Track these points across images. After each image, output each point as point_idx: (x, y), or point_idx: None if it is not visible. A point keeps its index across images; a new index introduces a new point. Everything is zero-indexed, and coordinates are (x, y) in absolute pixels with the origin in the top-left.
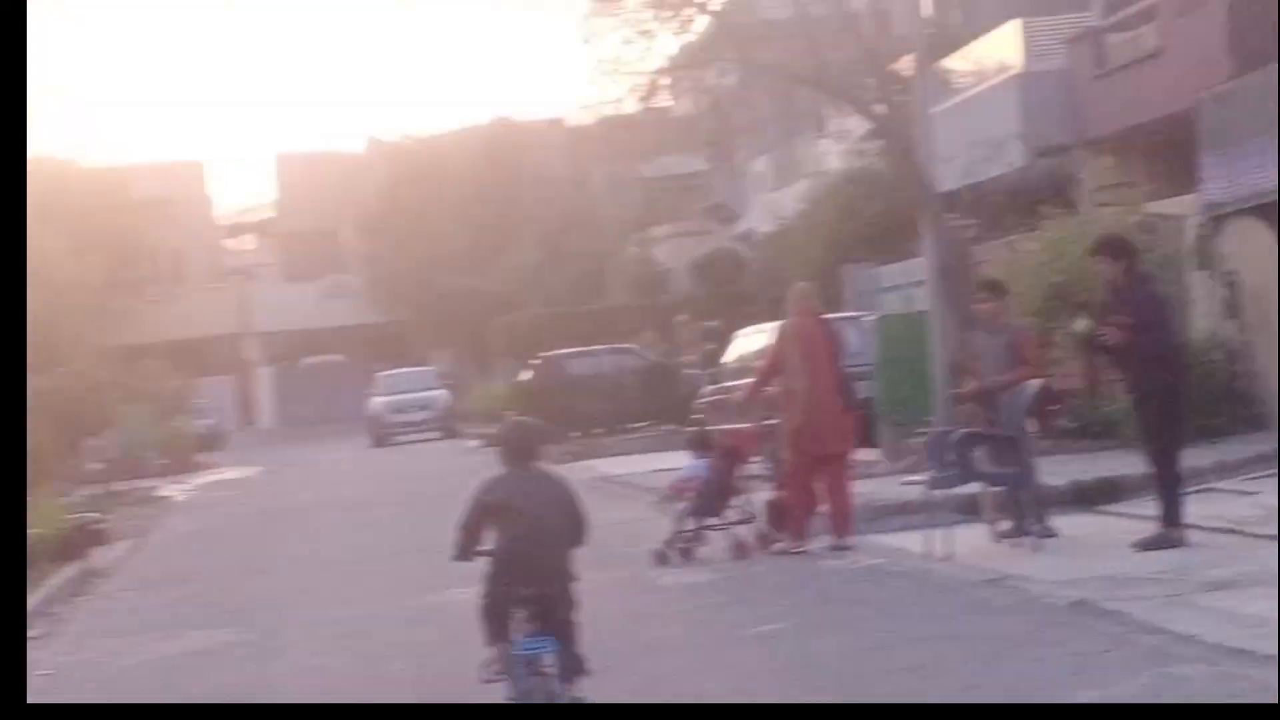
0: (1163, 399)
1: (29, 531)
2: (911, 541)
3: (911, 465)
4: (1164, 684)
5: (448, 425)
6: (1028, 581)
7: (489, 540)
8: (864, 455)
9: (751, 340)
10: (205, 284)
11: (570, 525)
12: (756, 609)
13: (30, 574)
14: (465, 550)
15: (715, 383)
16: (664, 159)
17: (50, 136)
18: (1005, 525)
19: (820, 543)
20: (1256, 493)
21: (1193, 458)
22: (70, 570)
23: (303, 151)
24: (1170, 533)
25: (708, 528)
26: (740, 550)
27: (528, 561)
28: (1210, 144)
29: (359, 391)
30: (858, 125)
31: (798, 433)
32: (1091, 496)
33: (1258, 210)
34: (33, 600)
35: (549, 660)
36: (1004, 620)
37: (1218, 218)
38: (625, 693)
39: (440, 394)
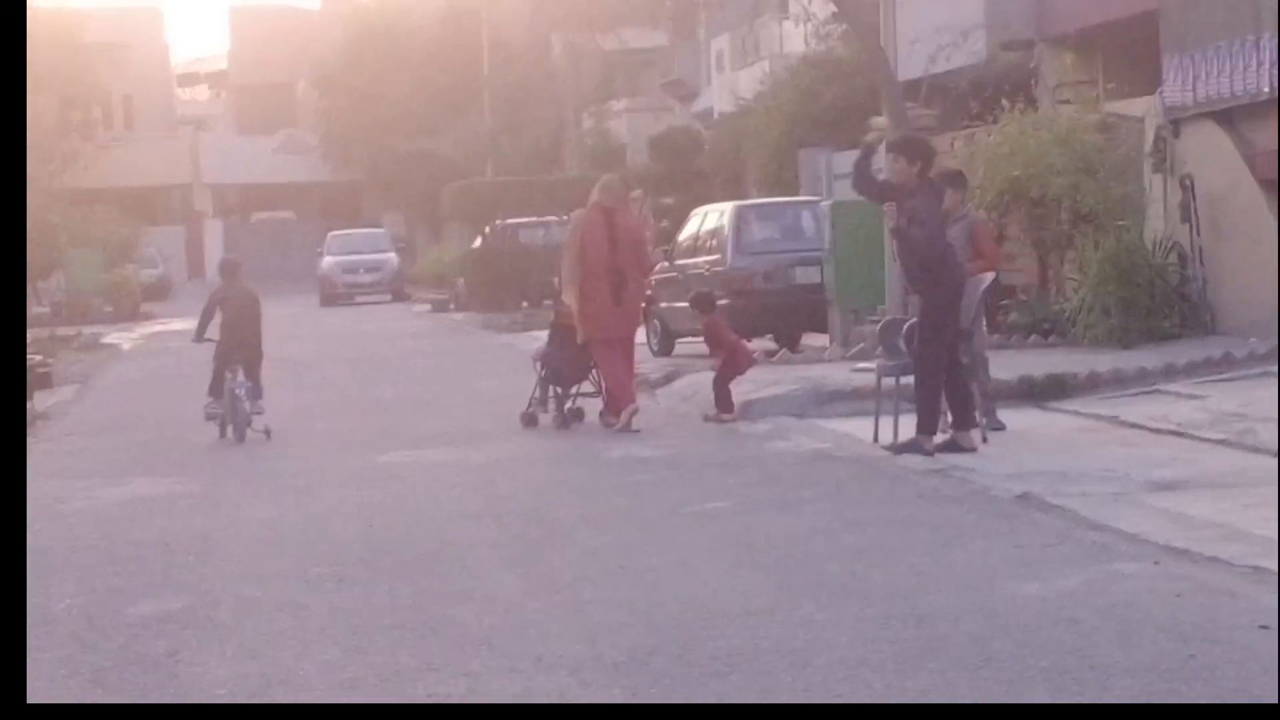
0: (927, 301)
1: None
2: (860, 428)
3: (862, 352)
4: (1107, 580)
5: (397, 288)
6: (974, 473)
7: (215, 331)
8: (815, 341)
9: (707, 219)
10: (157, 132)
11: (259, 315)
12: (701, 486)
13: None
14: (200, 333)
15: (669, 260)
16: (624, 32)
17: None
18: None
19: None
20: (1204, 396)
21: (1141, 359)
22: None
23: (257, 4)
24: (920, 439)
25: (556, 396)
26: (560, 421)
27: (239, 337)
28: (1172, 47)
29: (309, 249)
30: (821, 8)
31: (579, 317)
32: (1039, 393)
33: (1217, 115)
34: None
35: (245, 394)
36: (949, 510)
37: (1176, 121)
38: (566, 564)
39: (391, 256)
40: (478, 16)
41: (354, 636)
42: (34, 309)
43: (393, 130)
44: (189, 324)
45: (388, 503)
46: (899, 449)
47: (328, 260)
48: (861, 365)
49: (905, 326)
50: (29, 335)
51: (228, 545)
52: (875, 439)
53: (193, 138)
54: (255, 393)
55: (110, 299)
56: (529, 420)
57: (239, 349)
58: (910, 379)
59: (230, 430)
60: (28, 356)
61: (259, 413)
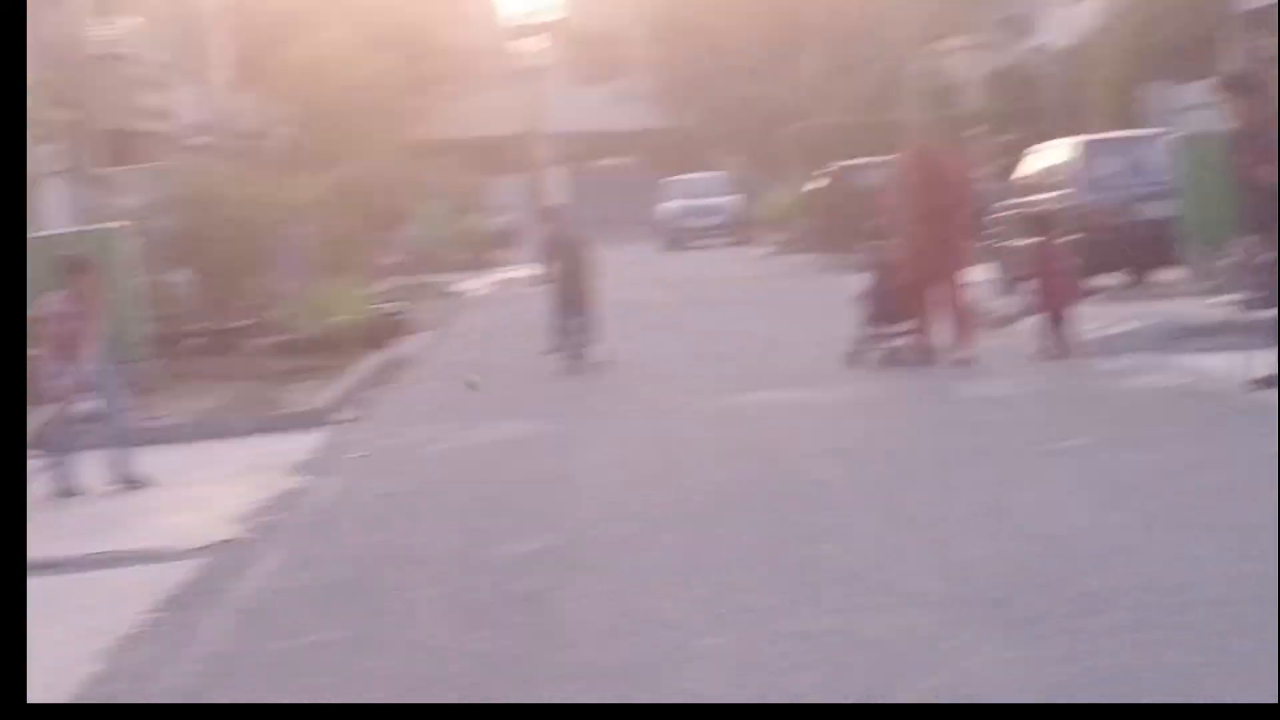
0: None
1: (333, 319)
2: (1219, 363)
3: (1217, 287)
4: None
5: (738, 231)
6: None
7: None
8: (1169, 275)
9: (1045, 156)
10: (496, 83)
11: (588, 256)
12: (1056, 424)
13: (337, 359)
14: (546, 276)
15: (1009, 198)
16: None
17: None
18: None
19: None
20: None
21: None
22: (376, 358)
23: None
24: None
25: (879, 336)
26: (892, 358)
27: (570, 277)
28: None
29: (648, 195)
30: None
31: (903, 257)
32: None
33: None
34: (342, 385)
35: (579, 329)
36: None
37: None
38: (925, 502)
39: (731, 200)
40: None
41: (721, 573)
42: (386, 259)
43: (727, 74)
44: (536, 270)
45: (741, 442)
46: (1263, 384)
47: (668, 205)
48: (1217, 299)
49: (1264, 259)
50: (386, 285)
51: (591, 485)
52: (1237, 374)
53: (530, 88)
54: (589, 327)
55: (459, 248)
56: (852, 360)
57: (572, 288)
58: (1271, 313)
59: (569, 364)
60: (386, 304)
61: (592, 343)
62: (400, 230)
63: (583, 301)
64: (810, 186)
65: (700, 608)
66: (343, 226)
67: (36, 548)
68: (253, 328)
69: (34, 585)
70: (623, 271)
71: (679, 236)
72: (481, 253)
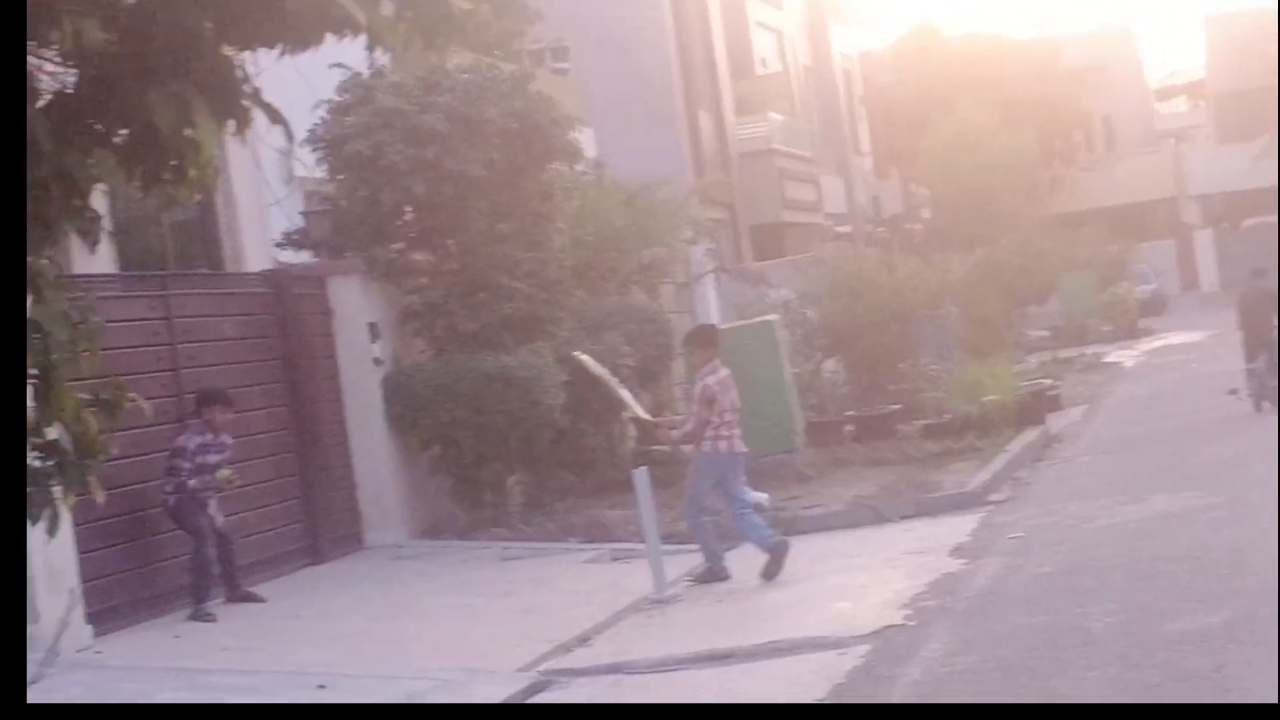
0: None
1: (984, 398)
2: None
3: None
4: None
5: None
6: None
7: None
8: None
9: None
10: (1137, 149)
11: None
12: None
13: (989, 439)
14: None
15: None
16: None
17: (980, 13)
18: None
19: None
20: None
21: None
22: (1029, 435)
23: (1231, 11)
24: None
25: None
26: None
27: (1257, 332)
28: None
29: None
30: None
31: None
32: None
33: None
34: (995, 465)
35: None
36: None
37: None
38: None
39: None
40: None
41: None
42: (1033, 333)
43: None
44: (1187, 337)
45: None
46: None
47: None
48: None
49: None
50: (1035, 360)
51: (1261, 557)
52: None
53: (1173, 150)
54: (1274, 371)
55: (1107, 318)
56: None
57: (1261, 336)
58: None
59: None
60: (1037, 381)
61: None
62: (1046, 304)
63: (1269, 347)
64: None
65: None
66: (988, 305)
67: (706, 640)
68: (904, 412)
69: (707, 676)
70: None
71: None
72: (1132, 321)
